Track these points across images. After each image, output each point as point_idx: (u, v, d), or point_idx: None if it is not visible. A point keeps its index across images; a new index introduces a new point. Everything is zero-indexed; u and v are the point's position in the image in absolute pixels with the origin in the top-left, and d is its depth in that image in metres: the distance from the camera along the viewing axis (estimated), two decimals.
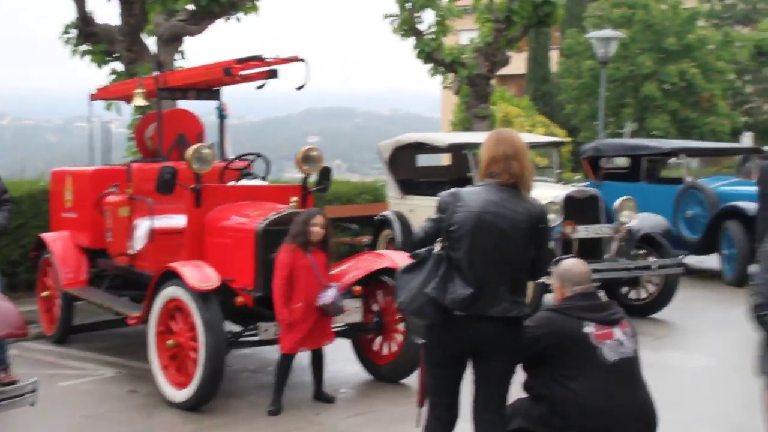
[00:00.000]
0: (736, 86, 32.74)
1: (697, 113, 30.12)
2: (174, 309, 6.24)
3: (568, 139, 24.70)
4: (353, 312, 6.52)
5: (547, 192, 9.23)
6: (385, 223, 11.05)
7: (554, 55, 34.56)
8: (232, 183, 7.35)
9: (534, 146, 12.79)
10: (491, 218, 3.95)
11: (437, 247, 4.02)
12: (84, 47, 11.58)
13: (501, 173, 3.99)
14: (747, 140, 32.68)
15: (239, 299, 6.18)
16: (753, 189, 10.81)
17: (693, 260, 12.80)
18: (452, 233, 3.98)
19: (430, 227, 4.09)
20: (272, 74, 6.90)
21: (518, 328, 4.05)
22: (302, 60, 6.66)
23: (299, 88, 6.59)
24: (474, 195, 4.02)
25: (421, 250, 4.09)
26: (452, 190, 4.10)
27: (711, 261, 12.39)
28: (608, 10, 30.97)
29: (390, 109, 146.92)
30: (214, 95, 8.11)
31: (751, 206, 10.93)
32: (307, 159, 6.96)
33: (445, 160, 13.14)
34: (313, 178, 7.27)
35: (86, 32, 11.50)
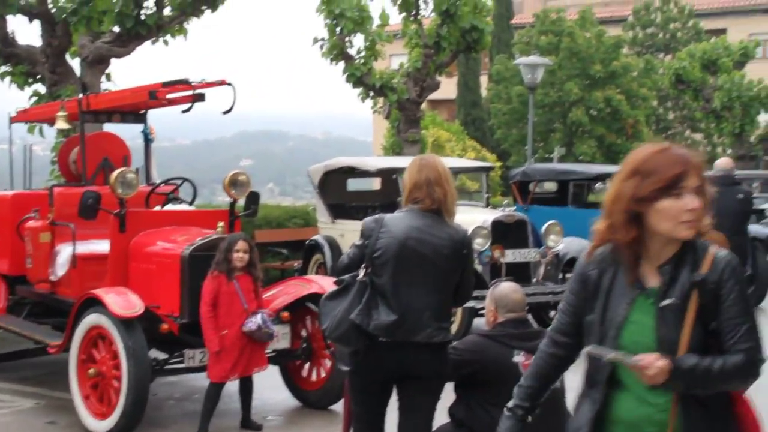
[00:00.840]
0: (659, 113, 33.68)
1: (623, 138, 30.85)
2: (96, 337, 6.09)
3: (498, 164, 25.05)
4: (281, 338, 6.46)
5: (475, 216, 9.34)
6: (315, 247, 11.00)
7: (484, 81, 35.07)
8: (157, 208, 7.24)
9: (463, 171, 12.97)
10: (414, 244, 3.96)
11: (361, 274, 4.02)
12: (4, 68, 11.32)
13: (424, 199, 4.02)
14: None
15: (164, 326, 6.07)
16: None
17: None
18: (376, 259, 3.98)
19: (354, 253, 4.09)
20: (199, 98, 6.82)
21: (443, 354, 4.05)
22: (229, 84, 6.61)
23: (226, 112, 6.53)
24: (397, 221, 4.03)
25: (345, 277, 4.08)
26: (376, 216, 4.11)
27: None
28: (535, 37, 31.59)
29: (323, 132, 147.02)
30: (139, 118, 7.98)
31: None
32: (234, 183, 6.90)
33: (376, 184, 13.18)
34: (242, 202, 7.20)
35: (6, 53, 11.24)
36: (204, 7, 11.06)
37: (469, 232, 8.76)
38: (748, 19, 40.30)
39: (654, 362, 2.39)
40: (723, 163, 10.10)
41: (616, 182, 2.51)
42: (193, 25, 11.43)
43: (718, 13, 40.50)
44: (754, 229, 12.86)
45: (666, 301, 2.44)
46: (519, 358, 4.13)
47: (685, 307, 2.43)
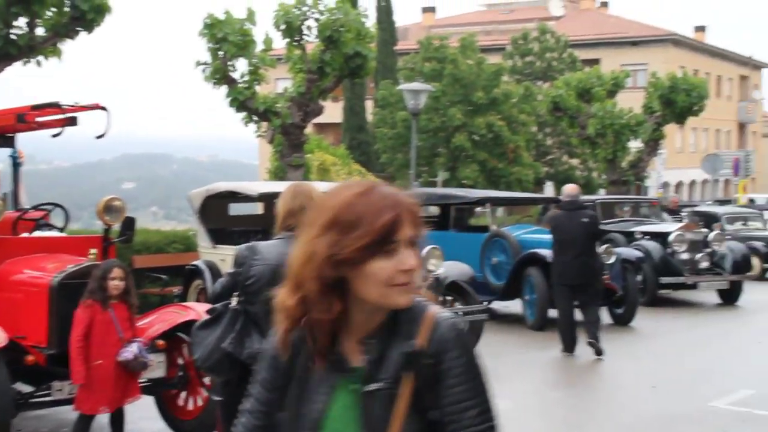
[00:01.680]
0: (538, 138, 34.79)
1: (504, 163, 31.70)
2: None
3: None
4: (156, 367, 6.31)
5: None
6: (195, 273, 10.81)
7: (370, 105, 35.43)
8: (26, 234, 6.97)
9: None
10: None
11: (234, 302, 3.98)
12: None
13: (298, 226, 4.01)
14: (549, 189, 34.74)
15: (30, 358, 5.84)
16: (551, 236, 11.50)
17: (499, 305, 13.35)
18: (249, 287, 3.95)
19: (226, 281, 4.05)
20: (71, 122, 6.64)
21: None
22: (103, 108, 6.47)
23: (99, 137, 6.38)
24: (271, 248, 4.02)
25: (217, 305, 4.04)
26: (249, 243, 4.10)
27: (516, 306, 12.97)
28: (419, 63, 32.17)
29: (208, 155, 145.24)
30: (7, 142, 7.69)
31: (550, 253, 11.60)
32: (109, 209, 6.73)
33: (259, 209, 13.07)
34: (117, 228, 7.02)
35: None
36: (79, 29, 10.78)
37: None
38: (619, 50, 42.36)
39: None
40: (569, 189, 10.69)
41: (306, 239, 1.85)
42: (69, 46, 11.13)
43: (592, 44, 42.38)
44: (625, 251, 13.42)
45: (372, 386, 1.83)
46: None
47: (396, 392, 1.82)
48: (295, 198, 4.08)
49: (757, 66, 53.33)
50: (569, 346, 10.13)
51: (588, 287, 10.04)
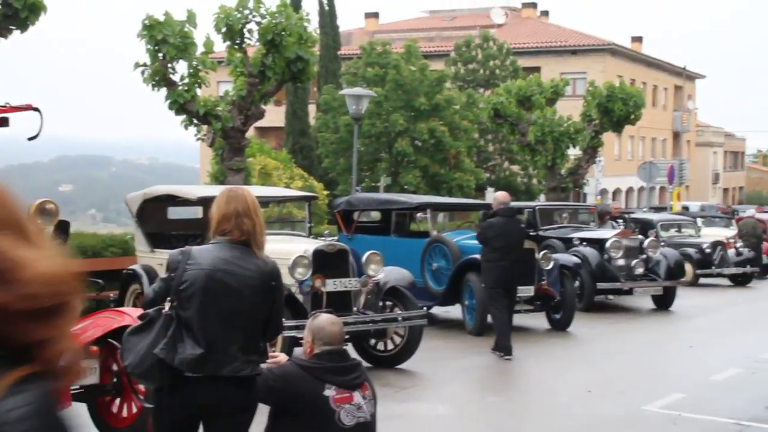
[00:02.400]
0: (480, 145, 35.10)
1: (446, 169, 31.90)
2: None
3: (325, 193, 25.24)
4: (89, 373, 6.20)
5: (297, 246, 9.36)
6: (132, 277, 10.64)
7: (313, 109, 35.34)
8: None
9: (286, 200, 12.98)
10: (222, 276, 3.92)
11: (167, 307, 3.93)
12: None
13: (232, 230, 3.99)
14: (490, 196, 35.07)
15: None
16: None
17: (439, 311, 13.43)
18: (182, 292, 3.90)
19: (159, 287, 4.00)
20: (2, 122, 6.48)
21: (251, 388, 4.01)
22: (35, 109, 6.34)
23: (32, 138, 6.25)
24: (205, 253, 3.98)
25: (150, 311, 3.98)
26: (183, 248, 4.05)
27: (456, 311, 13.05)
28: (362, 68, 32.21)
29: (149, 158, 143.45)
30: None
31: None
32: (41, 212, 6.60)
33: (198, 213, 12.93)
34: (50, 231, 6.88)
35: None
36: (12, 27, 10.52)
37: (291, 262, 8.86)
38: (559, 59, 43.01)
39: None
40: (502, 196, 10.92)
41: None
42: (1, 45, 10.84)
43: (532, 52, 42.96)
44: (563, 257, 13.61)
45: None
46: (330, 392, 4.13)
47: None
48: (230, 203, 4.04)
49: (690, 77, 54.65)
50: (507, 350, 10.24)
51: (515, 290, 10.71)
